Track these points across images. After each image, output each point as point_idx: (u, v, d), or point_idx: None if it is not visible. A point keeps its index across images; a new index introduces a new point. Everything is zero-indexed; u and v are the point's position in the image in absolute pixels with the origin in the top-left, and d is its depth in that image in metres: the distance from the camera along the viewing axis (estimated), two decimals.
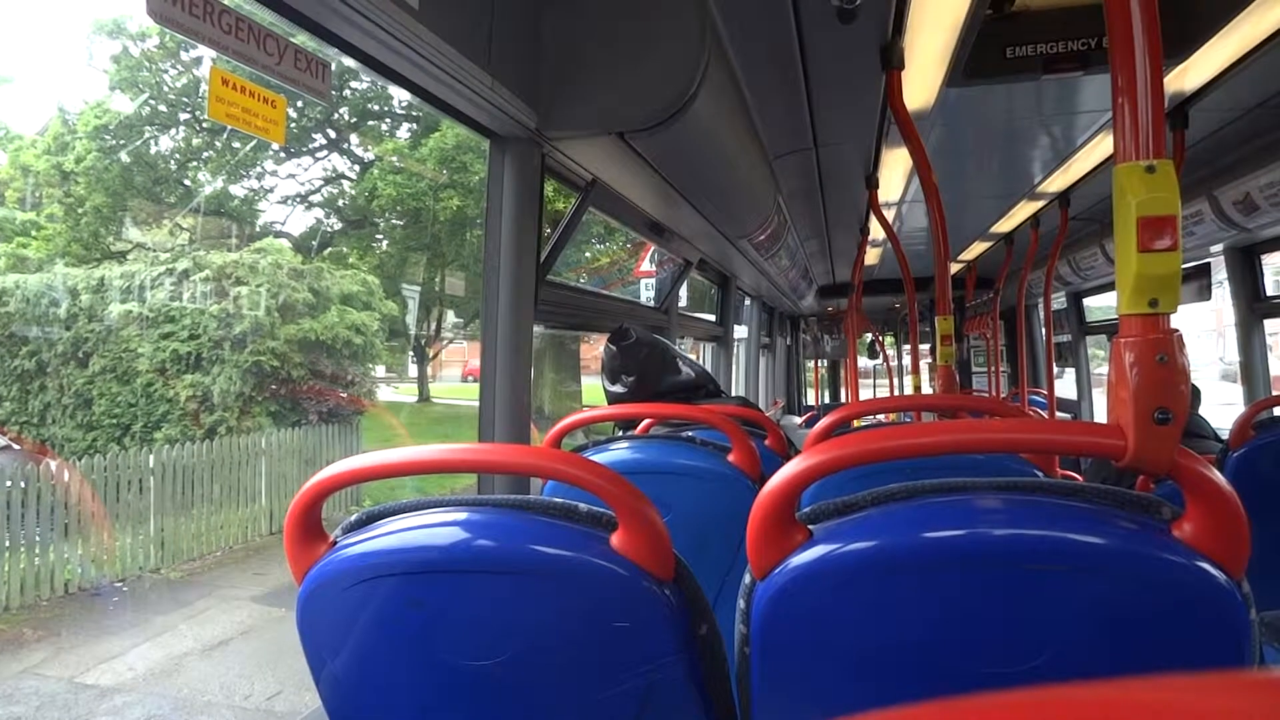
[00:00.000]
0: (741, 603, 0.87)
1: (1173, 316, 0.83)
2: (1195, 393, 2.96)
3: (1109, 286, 5.18)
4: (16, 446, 9.70)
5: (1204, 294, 4.13)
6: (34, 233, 13.55)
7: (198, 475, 8.73)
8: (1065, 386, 5.99)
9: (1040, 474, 1.49)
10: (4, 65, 19.75)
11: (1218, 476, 0.76)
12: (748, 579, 0.86)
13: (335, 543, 0.96)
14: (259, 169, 15.11)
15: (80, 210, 13.24)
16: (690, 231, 3.31)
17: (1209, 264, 4.02)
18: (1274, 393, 3.21)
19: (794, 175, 3.25)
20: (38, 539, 7.16)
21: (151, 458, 8.48)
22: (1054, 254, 4.06)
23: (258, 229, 15.04)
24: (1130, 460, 0.80)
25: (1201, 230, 3.23)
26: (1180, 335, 0.82)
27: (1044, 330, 4.91)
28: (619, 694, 0.89)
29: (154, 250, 13.18)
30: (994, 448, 0.96)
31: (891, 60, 1.96)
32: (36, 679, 5.92)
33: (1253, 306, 3.51)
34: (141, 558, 8.07)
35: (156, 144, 14.18)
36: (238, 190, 15.05)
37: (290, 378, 10.60)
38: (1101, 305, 5.88)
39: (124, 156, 13.49)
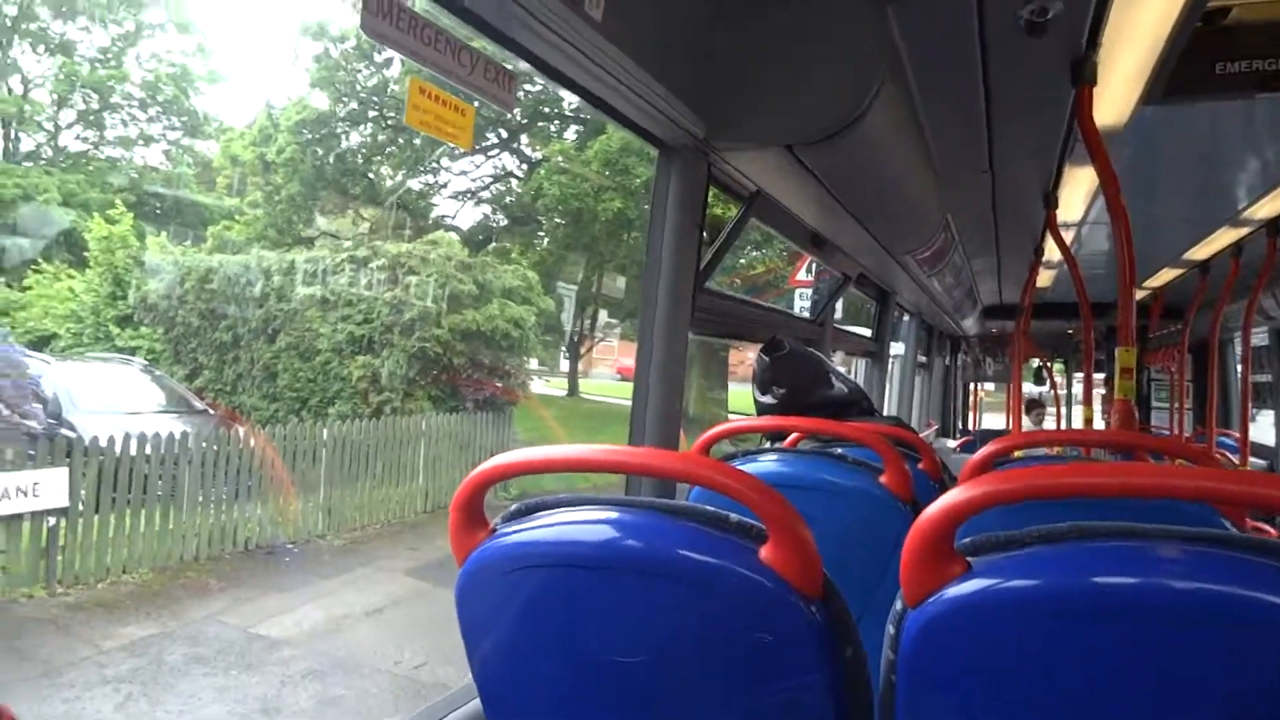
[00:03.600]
0: (890, 629, 0.84)
1: None
2: None
3: None
4: (212, 411, 10.70)
5: None
6: (237, 217, 14.93)
7: (363, 451, 9.33)
8: (1260, 431, 5.45)
9: (1229, 524, 1.37)
10: (221, 65, 21.86)
11: None
12: (899, 605, 0.83)
13: (495, 530, 1.00)
14: (434, 165, 15.99)
15: (277, 198, 14.46)
16: (851, 245, 3.24)
17: None
18: None
19: (965, 193, 3.12)
20: (224, 497, 7.88)
21: (325, 431, 9.14)
22: (1259, 285, 3.70)
23: (430, 221, 15.93)
24: None
25: None
26: None
27: (1240, 367, 4.49)
28: (758, 708, 0.89)
29: (338, 238, 14.20)
30: (1181, 497, 0.89)
31: (1084, 75, 1.84)
32: (218, 625, 6.51)
33: None
34: (312, 523, 8.71)
35: (346, 139, 15.29)
36: (414, 184, 15.99)
37: (451, 365, 11.15)
38: None
39: (319, 150, 14.60)
